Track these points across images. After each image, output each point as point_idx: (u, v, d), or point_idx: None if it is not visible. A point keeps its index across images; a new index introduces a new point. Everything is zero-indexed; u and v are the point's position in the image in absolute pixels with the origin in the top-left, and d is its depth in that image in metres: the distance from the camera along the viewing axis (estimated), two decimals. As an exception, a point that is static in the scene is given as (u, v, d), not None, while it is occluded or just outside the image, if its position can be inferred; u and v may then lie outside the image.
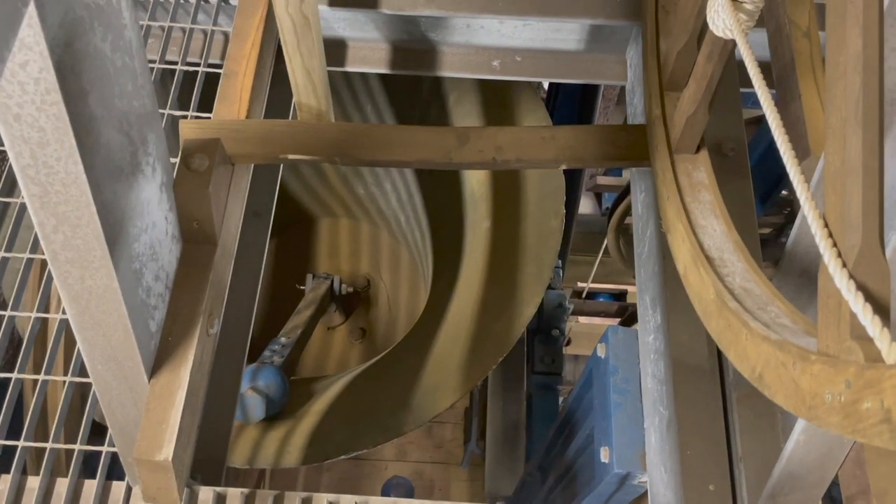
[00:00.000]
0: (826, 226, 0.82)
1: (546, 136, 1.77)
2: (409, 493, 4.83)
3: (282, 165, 2.20)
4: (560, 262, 3.95)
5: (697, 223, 1.30)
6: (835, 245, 0.80)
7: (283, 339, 2.88)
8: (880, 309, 0.76)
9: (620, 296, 5.18)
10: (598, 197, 5.34)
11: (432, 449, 5.24)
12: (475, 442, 4.78)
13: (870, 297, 0.76)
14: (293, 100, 1.96)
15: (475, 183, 3.22)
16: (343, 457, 2.47)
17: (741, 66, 2.09)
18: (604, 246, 4.63)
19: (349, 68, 2.31)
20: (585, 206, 5.29)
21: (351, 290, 3.80)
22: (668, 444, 1.68)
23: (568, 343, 5.39)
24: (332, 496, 1.56)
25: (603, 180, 4.98)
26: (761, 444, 1.59)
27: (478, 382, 2.67)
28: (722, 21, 1.20)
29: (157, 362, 1.35)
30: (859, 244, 0.78)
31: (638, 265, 2.00)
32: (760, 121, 3.45)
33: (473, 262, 3.02)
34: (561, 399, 3.70)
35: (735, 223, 1.79)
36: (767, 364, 0.89)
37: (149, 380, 1.33)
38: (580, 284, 5.16)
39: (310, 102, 1.69)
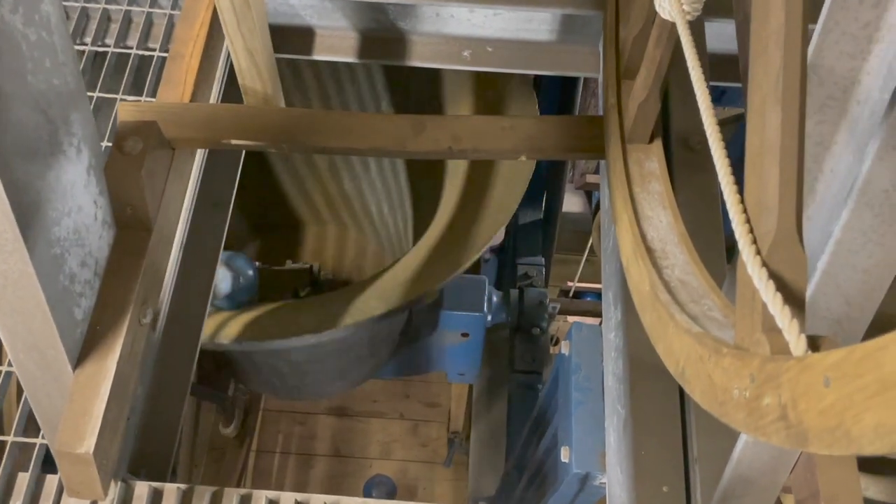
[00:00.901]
0: (745, 211, 0.77)
1: (505, 125, 1.72)
2: (392, 492, 4.79)
3: (243, 155, 2.16)
4: (544, 260, 3.90)
5: (644, 214, 1.25)
6: (751, 231, 0.75)
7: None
8: (793, 299, 0.71)
9: (609, 296, 5.11)
10: (589, 195, 5.28)
11: (417, 447, 5.19)
12: (459, 441, 4.73)
13: (783, 286, 0.71)
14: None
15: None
16: (309, 337, 2.45)
17: (713, 58, 2.04)
18: (589, 244, 4.58)
19: (316, 57, 2.26)
20: (575, 204, 5.23)
21: (331, 276, 3.76)
22: (624, 445, 1.63)
23: (556, 343, 5.35)
24: (272, 493, 1.51)
25: (592, 178, 4.92)
26: (718, 445, 1.53)
27: (446, 279, 2.66)
28: (667, 3, 1.16)
29: (84, 352, 1.31)
30: (774, 229, 0.73)
31: (603, 260, 1.95)
32: (740, 118, 3.40)
33: (448, 199, 3.02)
34: (541, 399, 3.65)
35: (699, 219, 1.74)
36: (689, 358, 0.84)
37: (73, 370, 1.29)
38: (568, 284, 5.11)
39: (255, 86, 1.64)
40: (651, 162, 1.36)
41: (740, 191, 0.83)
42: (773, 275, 0.71)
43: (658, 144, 1.40)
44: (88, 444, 1.25)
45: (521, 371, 3.58)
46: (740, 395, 0.69)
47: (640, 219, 1.23)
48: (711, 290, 1.01)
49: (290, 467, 5.25)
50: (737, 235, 0.75)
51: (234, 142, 1.47)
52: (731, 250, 1.73)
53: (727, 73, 2.15)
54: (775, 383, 0.62)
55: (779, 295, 0.68)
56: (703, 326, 0.90)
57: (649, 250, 1.14)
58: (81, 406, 1.27)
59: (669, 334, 0.92)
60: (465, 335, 3.38)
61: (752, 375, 0.67)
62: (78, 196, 1.25)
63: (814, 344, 0.65)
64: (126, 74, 1.89)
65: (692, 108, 1.94)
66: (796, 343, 0.65)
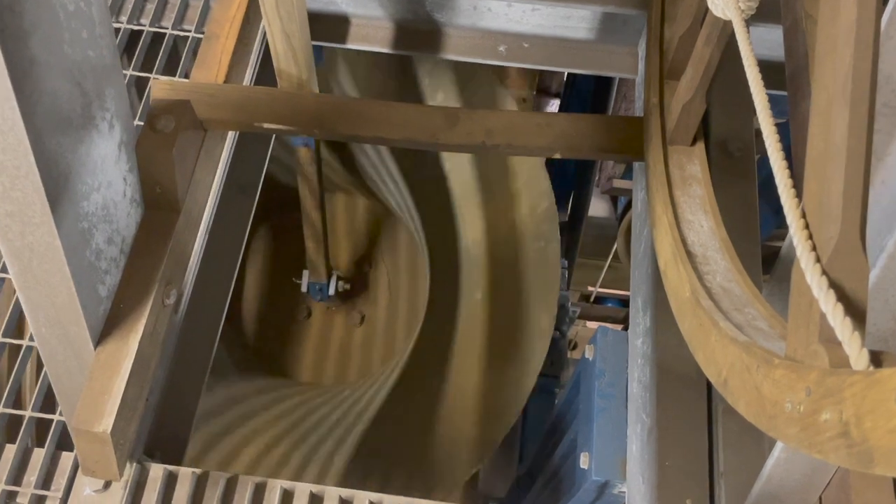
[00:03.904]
0: (803, 216, 0.74)
1: (541, 122, 1.68)
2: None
3: (273, 141, 2.14)
4: (566, 262, 3.85)
5: (684, 218, 1.21)
6: (810, 237, 0.72)
7: None
8: (854, 310, 0.67)
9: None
10: (614, 200, 5.23)
11: (429, 445, 5.15)
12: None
13: (843, 296, 0.67)
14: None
15: (471, 242, 3.15)
16: None
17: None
18: (613, 249, 4.53)
19: (351, 46, 2.23)
20: (600, 209, 5.19)
21: (349, 286, 3.72)
22: (647, 454, 1.59)
23: (574, 347, 5.30)
24: (287, 483, 1.49)
25: (619, 183, 4.87)
26: (745, 460, 1.49)
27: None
28: (721, 0, 1.12)
29: (106, 329, 1.29)
30: (836, 237, 0.69)
31: (633, 265, 1.91)
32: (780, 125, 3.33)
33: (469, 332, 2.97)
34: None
35: (736, 227, 1.69)
36: (733, 368, 0.81)
37: (95, 347, 1.27)
38: (589, 288, 5.08)
39: (290, 70, 1.62)
40: (693, 165, 1.32)
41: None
42: (833, 284, 0.67)
43: (700, 147, 1.36)
44: (106, 424, 1.23)
45: (538, 374, 3.54)
46: (793, 409, 0.65)
47: (680, 222, 1.19)
48: (755, 299, 0.98)
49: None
50: (795, 242, 0.72)
51: (266, 125, 1.45)
52: (767, 261, 1.69)
53: (767, 81, 2.11)
54: (836, 398, 0.58)
55: (839, 305, 0.65)
56: (747, 336, 0.86)
57: (690, 255, 1.11)
58: (101, 384, 1.26)
59: (712, 342, 0.89)
60: None
61: (809, 389, 0.63)
62: (108, 171, 1.23)
63: (876, 359, 0.61)
64: (160, 54, 1.88)
65: (732, 112, 1.91)
66: (857, 357, 0.61)
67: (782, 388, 0.68)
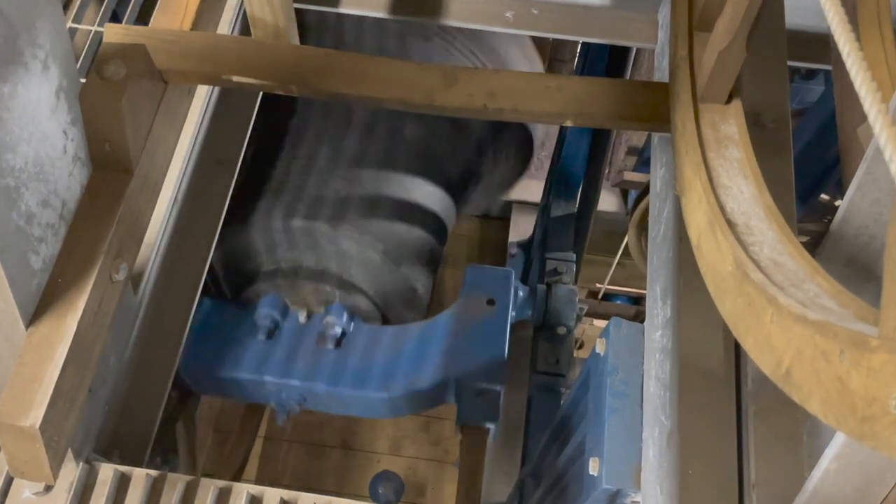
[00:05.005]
0: (906, 146, 0.54)
1: (551, 85, 1.50)
2: (399, 490, 4.58)
3: (256, 108, 1.96)
4: (574, 256, 3.66)
5: (721, 183, 1.02)
6: (920, 174, 0.52)
7: None
8: None
9: (640, 300, 4.87)
10: (625, 194, 5.04)
11: (428, 445, 4.98)
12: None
13: (975, 252, 0.48)
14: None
15: None
16: None
17: (790, 35, 1.80)
18: (623, 244, 4.33)
19: (343, 9, 2.05)
20: (609, 203, 4.99)
21: None
22: (666, 461, 1.41)
23: (580, 346, 5.11)
24: (255, 488, 1.31)
25: (630, 176, 4.68)
26: (780, 470, 1.30)
27: None
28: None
29: (41, 307, 1.11)
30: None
31: (651, 251, 1.72)
32: (801, 113, 3.14)
33: None
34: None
35: (769, 206, 1.51)
36: (800, 354, 0.62)
37: (26, 327, 1.09)
38: (597, 285, 4.87)
39: (264, 16, 1.43)
40: (728, 125, 1.13)
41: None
42: (959, 235, 0.48)
43: (737, 106, 1.17)
44: (35, 417, 1.04)
45: (543, 372, 3.36)
46: (906, 409, 0.47)
47: (716, 188, 1.00)
48: (815, 273, 0.78)
49: (297, 456, 5.07)
50: (897, 178, 0.53)
51: (235, 78, 1.27)
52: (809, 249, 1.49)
53: (801, 53, 1.92)
54: None
55: (974, 263, 0.46)
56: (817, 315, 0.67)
57: (730, 224, 0.92)
58: (32, 371, 1.07)
59: (766, 323, 0.70)
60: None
61: (935, 379, 0.44)
62: (42, 121, 1.05)
63: None
64: (129, 9, 1.70)
65: (767, 81, 1.71)
66: None
67: (884, 379, 0.49)
